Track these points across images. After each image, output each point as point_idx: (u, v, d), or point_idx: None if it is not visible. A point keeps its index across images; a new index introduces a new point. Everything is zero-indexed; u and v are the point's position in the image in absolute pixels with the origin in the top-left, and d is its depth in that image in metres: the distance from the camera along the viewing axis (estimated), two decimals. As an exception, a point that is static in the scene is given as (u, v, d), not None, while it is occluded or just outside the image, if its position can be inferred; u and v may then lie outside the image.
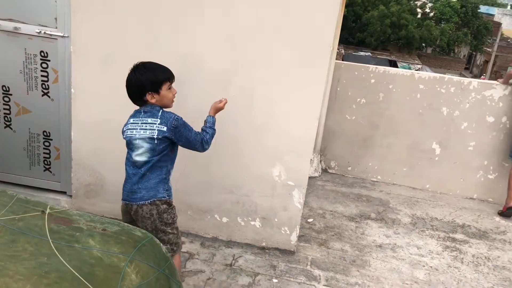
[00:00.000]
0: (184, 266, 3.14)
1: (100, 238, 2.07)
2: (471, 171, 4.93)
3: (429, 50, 43.43)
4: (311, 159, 3.88)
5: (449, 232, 4.18)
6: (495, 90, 4.70)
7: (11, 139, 3.56)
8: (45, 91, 3.40)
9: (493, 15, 48.74)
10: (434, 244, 3.93)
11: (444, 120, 4.85)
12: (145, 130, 2.38)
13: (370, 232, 3.98)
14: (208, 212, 3.48)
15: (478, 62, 45.76)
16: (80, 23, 3.16)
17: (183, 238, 3.47)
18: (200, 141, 2.47)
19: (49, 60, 3.32)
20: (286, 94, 3.12)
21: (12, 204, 2.18)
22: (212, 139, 2.55)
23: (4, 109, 3.49)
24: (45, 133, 3.53)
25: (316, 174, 4.99)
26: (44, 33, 3.24)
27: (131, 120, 2.47)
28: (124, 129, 2.49)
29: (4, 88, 3.44)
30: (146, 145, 2.39)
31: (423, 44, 40.40)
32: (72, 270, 1.81)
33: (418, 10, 39.99)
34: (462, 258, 3.74)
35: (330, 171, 5.23)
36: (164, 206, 2.45)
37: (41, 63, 3.33)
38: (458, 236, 4.12)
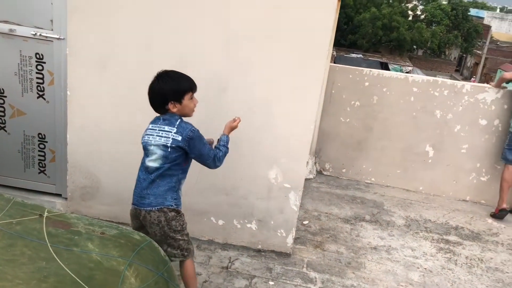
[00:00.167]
0: (181, 268, 3.14)
1: (99, 242, 2.07)
2: (464, 173, 4.98)
3: (420, 52, 43.75)
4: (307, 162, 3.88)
5: (442, 234, 4.21)
6: (488, 93, 4.75)
7: (5, 142, 3.53)
8: (41, 93, 3.39)
9: (482, 18, 49.26)
10: (428, 246, 3.96)
11: (437, 123, 4.89)
12: (160, 137, 2.41)
13: (365, 234, 4.00)
14: (204, 215, 3.48)
15: (468, 64, 46.17)
16: (76, 25, 3.15)
17: (179, 241, 3.47)
18: (212, 157, 2.48)
19: (44, 62, 3.31)
20: (283, 96, 3.13)
21: (9, 207, 2.17)
22: (224, 157, 2.56)
23: (-1, 111, 3.47)
24: (40, 136, 3.51)
25: (311, 176, 5.01)
26: (40, 35, 3.22)
27: (150, 126, 2.49)
28: (143, 134, 2.51)
29: (-2, 90, 3.42)
30: (159, 152, 2.41)
31: (414, 46, 40.70)
32: (71, 274, 1.80)
33: (409, 12, 40.28)
34: (456, 260, 3.78)
35: (324, 173, 5.25)
36: (172, 213, 2.46)
37: (37, 65, 3.32)
38: (452, 238, 4.16)
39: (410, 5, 40.83)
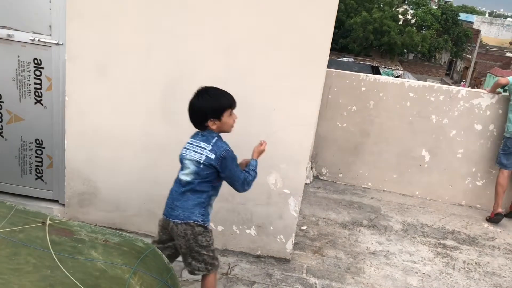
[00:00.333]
0: (180, 275, 3.12)
1: (103, 250, 2.05)
2: (459, 178, 5.02)
3: (410, 56, 44.10)
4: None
5: (439, 238, 4.23)
6: (483, 98, 4.79)
7: (2, 147, 3.50)
8: (38, 98, 3.36)
9: (472, 23, 49.79)
10: (426, 250, 3.98)
11: (433, 127, 4.92)
12: (195, 153, 2.43)
13: (363, 239, 4.01)
14: (203, 221, 3.46)
15: (458, 68, 46.62)
16: (75, 31, 3.14)
17: (178, 247, 3.46)
18: (242, 180, 2.48)
19: (42, 68, 3.29)
20: (283, 102, 3.13)
21: (11, 215, 2.15)
22: (253, 182, 2.56)
23: (-4, 116, 3.44)
24: (37, 141, 3.48)
25: (308, 181, 5.01)
26: (38, 40, 3.20)
27: (189, 140, 2.52)
28: (183, 147, 2.53)
29: (-5, 95, 3.39)
30: (192, 167, 2.43)
31: (405, 50, 41.03)
32: (76, 282, 1.79)
33: (400, 16, 40.60)
34: (454, 265, 3.80)
35: (321, 178, 5.26)
36: (200, 228, 2.46)
37: (35, 71, 3.29)
38: (449, 242, 4.18)
39: (400, 10, 41.15)
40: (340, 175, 5.21)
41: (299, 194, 3.32)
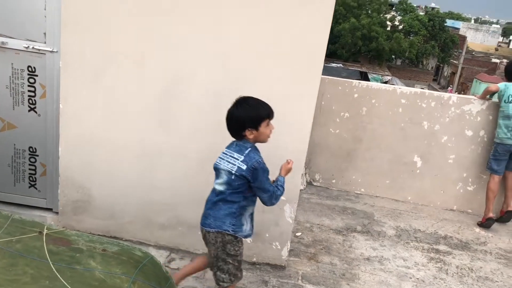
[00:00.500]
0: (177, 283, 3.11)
1: (101, 259, 2.04)
2: (451, 183, 5.06)
3: (398, 62, 44.55)
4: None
5: (432, 243, 4.27)
6: (473, 105, 4.86)
7: (-5, 155, 3.47)
8: (32, 106, 3.34)
9: (458, 29, 50.46)
10: (419, 255, 4.01)
11: (425, 133, 4.97)
12: (228, 163, 2.46)
13: (357, 245, 4.03)
14: (199, 228, 3.44)
15: (445, 74, 47.17)
16: (70, 38, 3.12)
17: (172, 255, 3.45)
18: (271, 193, 2.51)
19: (36, 75, 3.27)
20: (278, 110, 3.12)
21: (7, 225, 2.13)
22: (280, 197, 2.59)
23: (-12, 124, 3.41)
24: (31, 149, 3.45)
25: (302, 187, 5.02)
26: (33, 48, 3.18)
27: (224, 150, 2.55)
28: (218, 156, 2.56)
29: (-12, 103, 3.36)
30: (225, 177, 2.47)
31: (393, 56, 41.45)
32: (76, 293, 1.78)
33: (388, 23, 41.03)
34: (447, 270, 3.83)
35: (314, 183, 5.27)
36: (230, 237, 2.50)
37: (29, 78, 3.27)
38: (442, 247, 4.22)
39: (388, 16, 41.60)
40: (333, 181, 5.23)
41: (294, 201, 3.33)
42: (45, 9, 3.12)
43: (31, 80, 3.28)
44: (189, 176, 3.34)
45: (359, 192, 5.22)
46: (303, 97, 3.10)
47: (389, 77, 34.71)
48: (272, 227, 3.39)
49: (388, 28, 40.57)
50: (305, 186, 5.12)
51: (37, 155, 3.47)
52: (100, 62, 3.16)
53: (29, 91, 3.30)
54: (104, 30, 3.11)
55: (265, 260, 3.48)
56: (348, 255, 3.84)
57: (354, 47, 36.95)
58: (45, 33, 3.17)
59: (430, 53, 43.13)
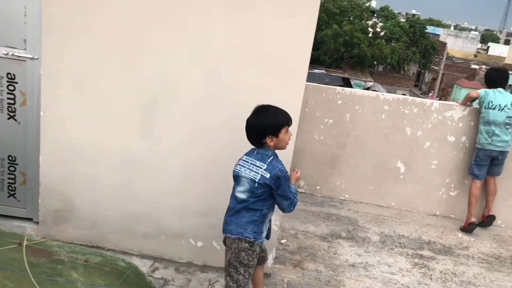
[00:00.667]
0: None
1: (84, 270, 2.00)
2: (434, 188, 5.11)
3: (380, 68, 45.05)
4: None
5: (416, 249, 4.29)
6: (455, 111, 4.91)
7: (-28, 164, 3.38)
8: (12, 114, 3.27)
9: (438, 35, 51.27)
10: (404, 261, 4.02)
11: (408, 139, 5.01)
12: (250, 171, 2.49)
13: (342, 252, 4.03)
14: (183, 237, 3.42)
15: (426, 80, 47.81)
16: (51, 44, 3.08)
17: (156, 264, 3.40)
18: (292, 200, 2.57)
19: (16, 83, 3.21)
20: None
21: (-14, 237, 2.07)
22: (296, 205, 2.64)
23: (-34, 132, 3.33)
24: (10, 158, 3.38)
25: (286, 194, 5.01)
26: (12, 54, 3.12)
27: (244, 157, 2.57)
28: (236, 163, 2.57)
29: (-34, 111, 3.28)
30: (247, 185, 2.49)
31: (375, 62, 41.90)
32: (57, 306, 1.73)
33: (370, 29, 41.51)
34: (431, 275, 3.85)
35: (299, 190, 5.27)
36: (246, 244, 2.52)
37: (8, 86, 3.21)
38: (425, 252, 4.24)
39: (370, 23, 42.11)
40: (318, 187, 5.24)
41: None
42: (25, 15, 3.07)
43: (11, 88, 3.21)
44: (172, 185, 3.31)
45: (343, 198, 5.24)
46: (287, 104, 3.09)
47: (371, 83, 35.09)
48: (257, 234, 3.36)
49: (370, 35, 41.06)
50: (289, 193, 5.11)
51: (17, 164, 3.40)
52: (82, 70, 3.12)
53: (8, 98, 3.24)
54: (86, 37, 3.07)
55: (250, 268, 3.45)
56: (333, 261, 3.84)
57: (336, 53, 37.28)
58: (25, 40, 3.12)
59: (411, 59, 43.72)
